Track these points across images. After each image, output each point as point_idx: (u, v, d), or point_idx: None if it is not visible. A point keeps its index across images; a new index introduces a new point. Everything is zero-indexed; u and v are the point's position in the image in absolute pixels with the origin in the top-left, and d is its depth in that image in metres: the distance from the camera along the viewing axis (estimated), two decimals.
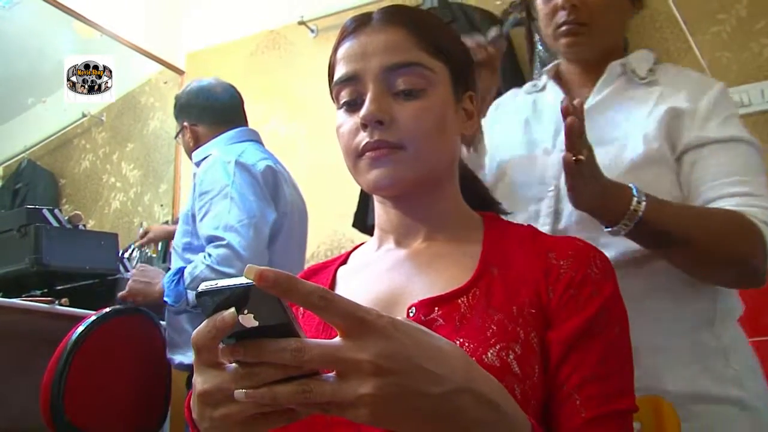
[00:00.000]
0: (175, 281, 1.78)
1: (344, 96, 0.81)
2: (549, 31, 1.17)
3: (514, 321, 0.70)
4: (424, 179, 0.80)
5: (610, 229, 0.95)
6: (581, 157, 0.89)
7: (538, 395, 0.68)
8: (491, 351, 0.67)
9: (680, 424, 0.78)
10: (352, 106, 0.80)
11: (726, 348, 1.05)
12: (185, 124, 2.07)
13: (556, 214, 1.10)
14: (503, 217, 0.90)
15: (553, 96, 1.22)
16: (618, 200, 0.94)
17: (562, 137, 1.01)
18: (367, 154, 0.78)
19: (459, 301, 0.73)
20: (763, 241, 0.96)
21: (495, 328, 0.69)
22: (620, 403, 0.68)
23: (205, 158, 1.95)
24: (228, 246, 1.70)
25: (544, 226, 1.09)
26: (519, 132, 1.23)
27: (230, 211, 1.75)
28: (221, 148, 1.95)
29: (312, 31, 3.13)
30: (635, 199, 0.93)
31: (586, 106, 1.06)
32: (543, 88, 1.26)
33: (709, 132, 1.08)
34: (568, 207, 1.05)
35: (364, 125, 0.78)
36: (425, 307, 0.73)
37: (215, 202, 1.78)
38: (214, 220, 1.75)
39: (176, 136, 2.16)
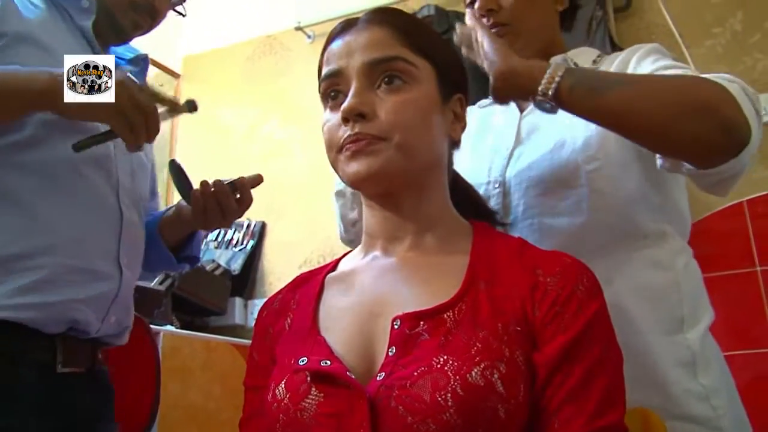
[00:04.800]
0: None
1: (329, 93, 0.82)
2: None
3: (499, 339, 0.69)
4: (405, 173, 0.79)
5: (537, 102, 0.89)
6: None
7: (523, 415, 0.67)
8: (475, 369, 0.66)
9: None
10: (336, 102, 0.81)
11: (695, 358, 0.93)
12: None
13: (505, 209, 1.05)
14: (501, 228, 0.89)
15: (500, 108, 1.14)
16: (536, 69, 0.89)
17: (508, 142, 1.07)
18: (348, 146, 0.78)
19: (445, 315, 0.72)
20: (725, 91, 0.89)
21: (480, 345, 0.68)
22: (601, 420, 0.66)
23: None
24: None
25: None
26: (468, 149, 1.13)
27: None
28: None
29: (309, 36, 3.13)
30: (552, 66, 0.87)
31: (525, 111, 1.09)
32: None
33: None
34: (514, 200, 1.03)
35: (346, 119, 0.78)
36: (410, 320, 0.72)
37: None
38: None
39: None
